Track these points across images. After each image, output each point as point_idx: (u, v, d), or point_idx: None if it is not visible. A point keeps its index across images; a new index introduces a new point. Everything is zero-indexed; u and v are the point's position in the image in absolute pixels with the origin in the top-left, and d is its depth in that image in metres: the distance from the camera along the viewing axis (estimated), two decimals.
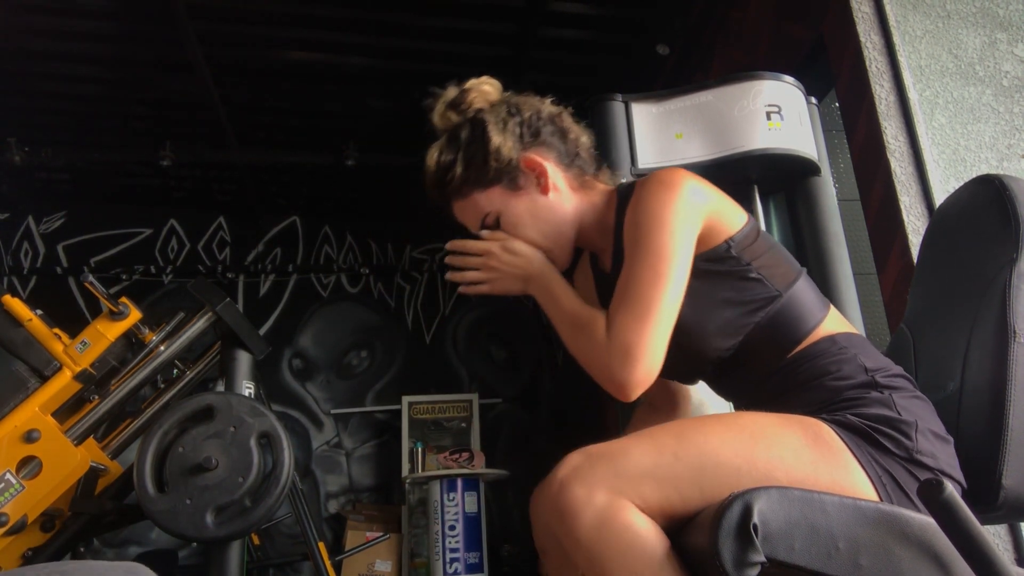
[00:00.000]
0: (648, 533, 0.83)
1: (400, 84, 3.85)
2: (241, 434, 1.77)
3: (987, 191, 1.04)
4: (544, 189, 1.16)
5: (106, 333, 1.91)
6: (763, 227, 1.35)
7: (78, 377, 1.86)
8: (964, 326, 1.03)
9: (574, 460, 0.89)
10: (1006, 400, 0.94)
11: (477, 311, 5.19)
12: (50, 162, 4.23)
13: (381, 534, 4.17)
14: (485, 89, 1.20)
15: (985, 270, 1.02)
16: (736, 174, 1.85)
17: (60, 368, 1.86)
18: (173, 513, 1.70)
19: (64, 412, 1.91)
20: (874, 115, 2.11)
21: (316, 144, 4.36)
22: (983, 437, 0.96)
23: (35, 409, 1.80)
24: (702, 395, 1.41)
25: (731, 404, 1.22)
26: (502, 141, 1.15)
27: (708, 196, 1.07)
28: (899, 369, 1.03)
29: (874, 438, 0.92)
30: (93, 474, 1.90)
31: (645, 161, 1.87)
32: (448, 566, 3.81)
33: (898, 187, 2.02)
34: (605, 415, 4.78)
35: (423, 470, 4.34)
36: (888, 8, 2.21)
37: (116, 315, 1.92)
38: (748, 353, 1.05)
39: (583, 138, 1.23)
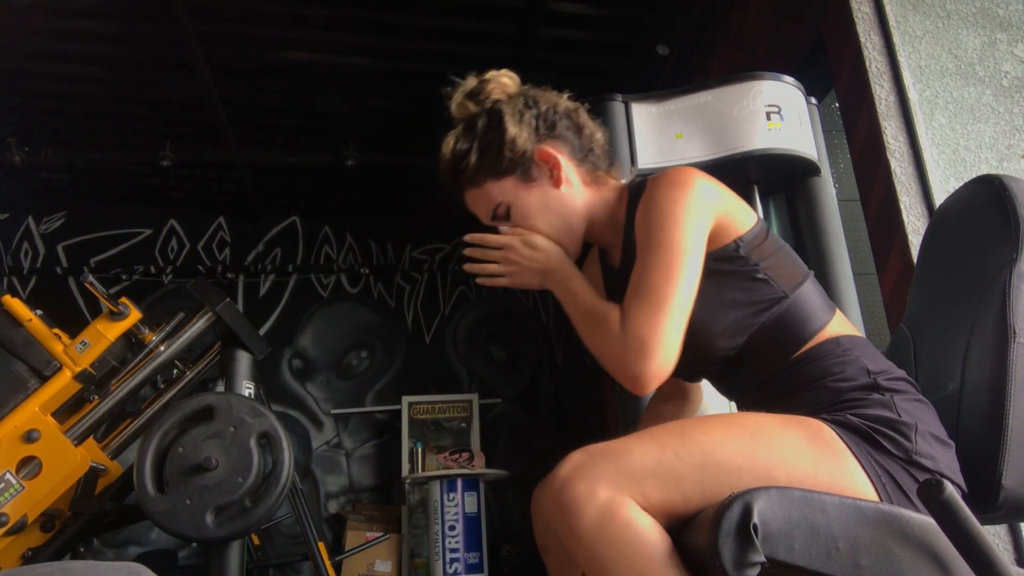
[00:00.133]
0: (650, 531, 0.83)
1: (400, 84, 3.85)
2: (241, 434, 1.77)
3: (987, 191, 1.04)
4: (556, 182, 1.17)
5: (106, 333, 1.91)
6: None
7: (78, 377, 1.86)
8: (964, 326, 1.03)
9: (577, 458, 0.89)
10: (1006, 400, 0.94)
11: (477, 311, 5.19)
12: (50, 162, 4.23)
13: (381, 534, 4.17)
14: (504, 81, 1.21)
15: (985, 270, 1.02)
16: (736, 174, 1.85)
17: (60, 368, 1.86)
18: (173, 513, 1.70)
19: (64, 412, 1.91)
20: (874, 115, 2.11)
21: (316, 144, 4.37)
22: (983, 437, 0.96)
23: (35, 409, 1.80)
24: (704, 396, 1.41)
25: (733, 404, 1.22)
26: (518, 132, 1.16)
27: (719, 195, 1.07)
28: (901, 373, 1.03)
29: (874, 438, 0.92)
30: (93, 474, 1.90)
31: (645, 161, 1.87)
32: (448, 566, 3.81)
33: (898, 187, 2.02)
34: (605, 415, 4.78)
35: (423, 470, 4.34)
36: (888, 8, 2.21)
37: (116, 315, 1.92)
38: (752, 353, 1.06)
39: (598, 134, 1.24)
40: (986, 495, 0.94)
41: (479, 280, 1.18)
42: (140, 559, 3.82)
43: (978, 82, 2.21)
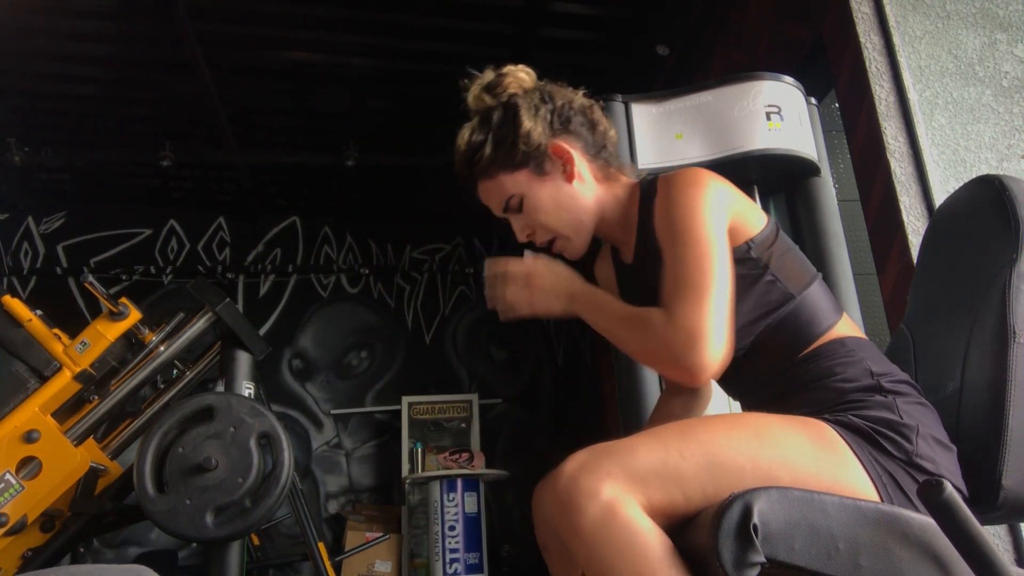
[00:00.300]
0: (650, 532, 0.83)
1: (400, 84, 3.85)
2: (241, 434, 1.77)
3: (987, 191, 1.04)
4: (569, 177, 1.18)
5: (106, 333, 1.91)
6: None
7: (78, 377, 1.86)
8: (964, 326, 1.03)
9: (582, 456, 0.89)
10: (1006, 400, 0.94)
11: (477, 311, 5.20)
12: (50, 162, 4.23)
13: (381, 534, 4.17)
14: (521, 76, 1.22)
15: (985, 270, 1.02)
16: (736, 174, 1.83)
17: (60, 368, 1.86)
18: (173, 513, 1.70)
19: (64, 412, 1.91)
20: (874, 115, 2.11)
21: (316, 144, 4.37)
22: (983, 437, 0.96)
23: (35, 409, 1.80)
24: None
25: (736, 404, 1.22)
26: (533, 126, 1.17)
27: (732, 196, 1.09)
28: (905, 376, 1.03)
29: (875, 439, 0.92)
30: (93, 474, 1.90)
31: (645, 161, 1.87)
32: (448, 566, 3.81)
33: (898, 187, 2.02)
34: (605, 415, 4.78)
35: (423, 470, 4.34)
36: (888, 8, 2.21)
37: (116, 315, 1.92)
38: (758, 353, 1.06)
39: (611, 132, 1.26)
40: (986, 495, 0.94)
41: (502, 314, 1.17)
42: (140, 559, 3.82)
43: (978, 82, 2.21)
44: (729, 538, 0.77)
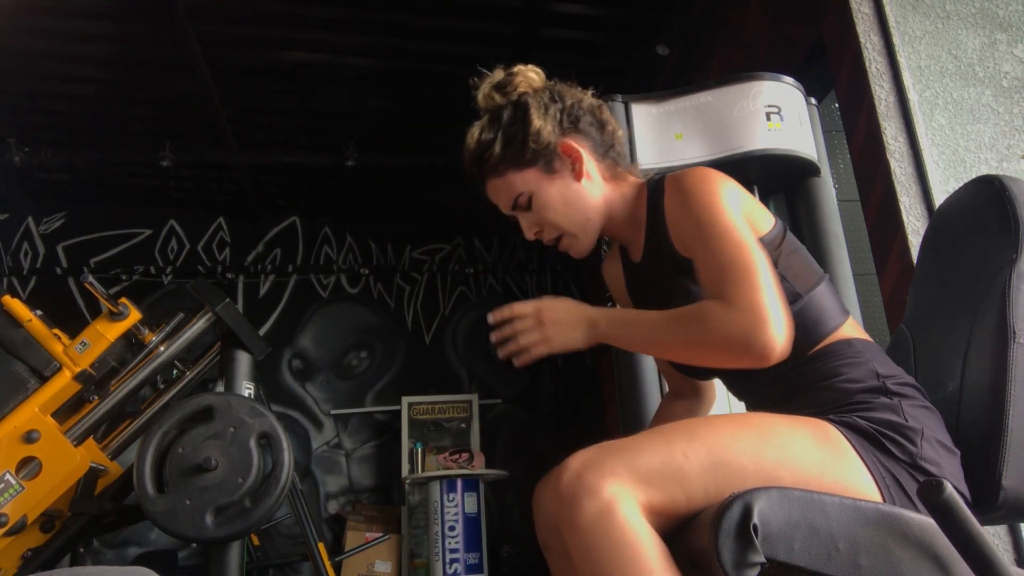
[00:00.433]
0: (645, 535, 0.83)
1: (400, 84, 3.85)
2: (241, 435, 1.77)
3: (987, 192, 1.04)
4: (578, 175, 1.19)
5: (106, 334, 1.91)
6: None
7: (78, 378, 1.86)
8: (964, 326, 1.03)
9: (587, 452, 0.89)
10: (1006, 400, 0.94)
11: (477, 311, 5.19)
12: (50, 162, 4.24)
13: (381, 535, 4.17)
14: (530, 75, 1.23)
15: (985, 271, 1.02)
16: (736, 175, 1.83)
17: (60, 369, 1.86)
18: (173, 514, 1.70)
19: (64, 413, 1.91)
20: (874, 116, 2.11)
21: (316, 144, 4.37)
22: (983, 437, 0.96)
23: (35, 410, 1.80)
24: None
25: (736, 406, 1.23)
26: (543, 124, 1.17)
27: (743, 194, 1.10)
28: (910, 379, 1.03)
29: (879, 441, 0.92)
30: (93, 475, 1.90)
31: (645, 162, 1.87)
32: (448, 567, 3.81)
33: (898, 188, 2.02)
34: (605, 415, 4.78)
35: (423, 471, 4.34)
36: (888, 9, 2.21)
37: (116, 316, 1.92)
38: None
39: (619, 132, 1.27)
40: (986, 495, 0.94)
41: (518, 360, 1.12)
42: (140, 559, 3.81)
43: (978, 83, 2.21)
44: (729, 538, 0.77)
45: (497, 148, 1.18)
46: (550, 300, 1.12)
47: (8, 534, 1.71)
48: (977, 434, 0.97)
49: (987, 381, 0.97)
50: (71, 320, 2.06)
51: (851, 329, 1.08)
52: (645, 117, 1.92)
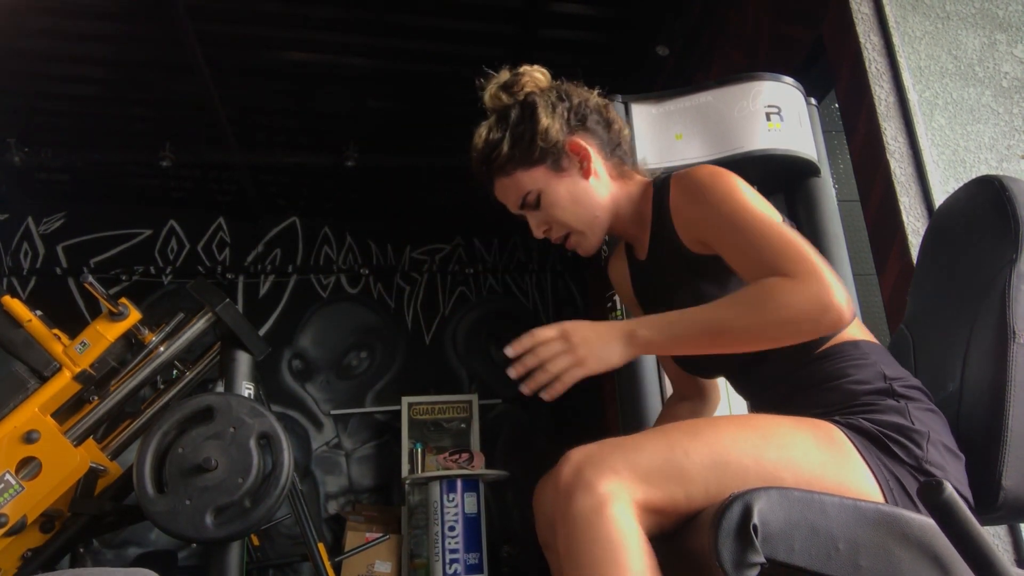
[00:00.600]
0: (632, 537, 0.82)
1: (400, 84, 3.85)
2: (241, 435, 1.77)
3: (986, 192, 1.04)
4: (586, 173, 1.19)
5: (106, 334, 1.91)
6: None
7: (78, 378, 1.86)
8: (964, 327, 1.03)
9: (589, 447, 0.89)
10: (1006, 400, 0.94)
11: (477, 311, 5.19)
12: (50, 162, 4.24)
13: (381, 535, 4.17)
14: (537, 76, 1.23)
15: (985, 271, 1.02)
16: (736, 175, 1.85)
17: (60, 369, 1.86)
18: (172, 514, 1.70)
19: (64, 413, 1.91)
20: (874, 116, 2.11)
21: (316, 144, 4.37)
22: (983, 438, 0.96)
23: (35, 410, 1.80)
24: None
25: (736, 408, 1.22)
26: (550, 123, 1.18)
27: (752, 189, 1.09)
28: (916, 381, 1.02)
29: (885, 444, 0.91)
30: (93, 475, 1.90)
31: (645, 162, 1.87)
32: (448, 567, 3.81)
33: (898, 188, 2.02)
34: (605, 415, 4.78)
35: (423, 471, 4.34)
36: (888, 9, 2.21)
37: (116, 316, 1.92)
38: (771, 352, 1.05)
39: (625, 131, 1.28)
40: (986, 495, 0.94)
41: (548, 392, 1.01)
42: (139, 560, 3.81)
43: (978, 83, 2.21)
44: (729, 538, 0.77)
45: (505, 147, 1.18)
46: (572, 322, 1.03)
47: (8, 534, 1.71)
48: (977, 434, 0.97)
49: (987, 381, 0.97)
50: (71, 320, 2.07)
51: (857, 330, 1.08)
52: (645, 117, 1.92)
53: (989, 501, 0.94)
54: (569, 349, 0.99)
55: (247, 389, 2.02)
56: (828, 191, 1.95)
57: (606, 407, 4.81)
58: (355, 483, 4.67)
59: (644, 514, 0.85)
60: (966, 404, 1.00)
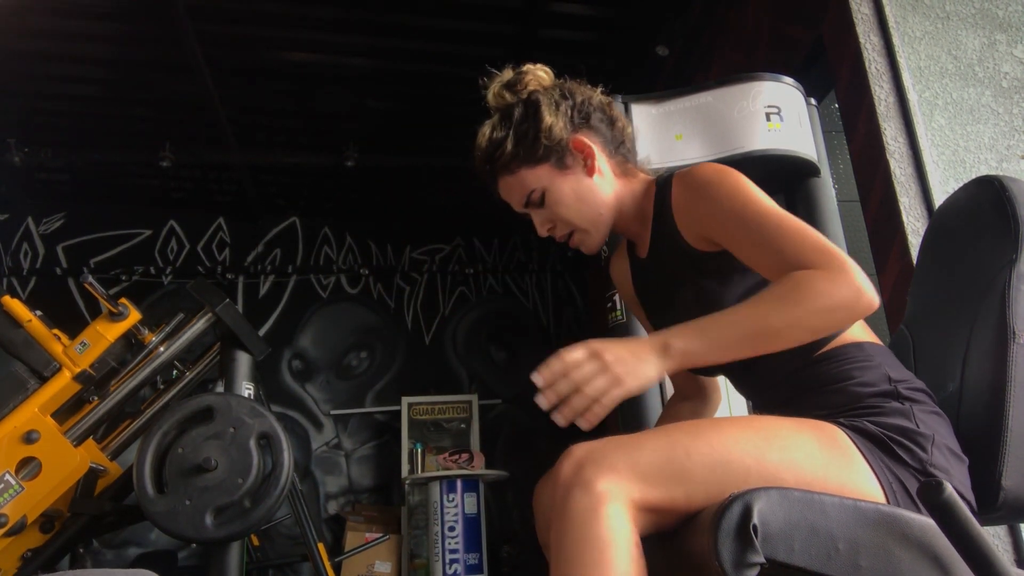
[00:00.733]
0: (624, 538, 0.82)
1: (400, 84, 3.85)
2: (240, 435, 1.77)
3: (986, 192, 1.04)
4: (590, 171, 1.19)
5: (105, 334, 1.91)
6: None
7: (77, 378, 1.86)
8: (964, 327, 1.03)
9: (591, 444, 0.89)
10: (1006, 401, 0.94)
11: (477, 311, 5.19)
12: (50, 163, 4.23)
13: (381, 535, 4.17)
14: (540, 74, 1.24)
15: (985, 271, 1.02)
16: None
17: (59, 369, 1.86)
18: (172, 514, 1.70)
19: (63, 413, 1.91)
20: (874, 116, 2.11)
21: (316, 144, 4.37)
22: (983, 438, 0.96)
23: (34, 410, 1.80)
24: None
25: (736, 409, 1.22)
26: (554, 121, 1.18)
27: (755, 188, 1.10)
28: (921, 383, 1.02)
29: (889, 447, 0.91)
30: (92, 475, 1.90)
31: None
32: (448, 567, 3.80)
33: (898, 188, 2.02)
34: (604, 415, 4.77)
35: (423, 471, 4.33)
36: (887, 9, 2.21)
37: (116, 316, 1.92)
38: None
39: (628, 129, 1.28)
40: (986, 496, 0.94)
41: (586, 420, 0.96)
42: (139, 560, 3.82)
43: (977, 83, 2.21)
44: (729, 538, 0.77)
45: (509, 145, 1.18)
46: (598, 341, 0.97)
47: (8, 534, 1.71)
48: (977, 434, 0.97)
49: (987, 381, 0.97)
50: (71, 320, 2.07)
51: (861, 331, 1.07)
52: (645, 117, 1.92)
53: (989, 501, 0.94)
54: (603, 369, 0.94)
55: (247, 389, 2.02)
56: (828, 191, 1.95)
57: None
58: (355, 483, 4.67)
59: (642, 513, 0.85)
60: (966, 404, 1.00)
